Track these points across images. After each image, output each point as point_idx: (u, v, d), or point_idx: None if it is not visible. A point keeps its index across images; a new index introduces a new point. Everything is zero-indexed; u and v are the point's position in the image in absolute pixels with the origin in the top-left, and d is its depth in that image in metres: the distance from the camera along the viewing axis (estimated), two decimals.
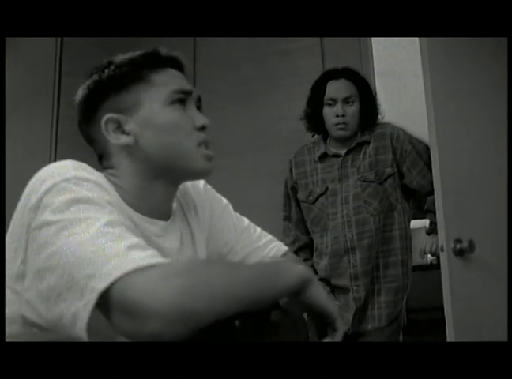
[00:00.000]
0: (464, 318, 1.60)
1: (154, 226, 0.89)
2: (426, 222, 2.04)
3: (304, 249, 2.08)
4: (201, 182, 1.06)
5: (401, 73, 3.72)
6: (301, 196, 2.07)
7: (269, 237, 1.10)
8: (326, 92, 2.01)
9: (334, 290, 1.97)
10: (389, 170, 1.96)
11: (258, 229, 1.09)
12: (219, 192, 1.09)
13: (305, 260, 2.03)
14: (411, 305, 2.84)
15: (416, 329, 3.20)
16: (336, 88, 2.00)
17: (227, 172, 2.35)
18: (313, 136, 2.15)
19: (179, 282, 0.64)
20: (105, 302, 0.63)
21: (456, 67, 1.77)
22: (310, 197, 2.04)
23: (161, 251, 0.74)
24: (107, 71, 0.89)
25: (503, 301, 1.59)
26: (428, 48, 1.71)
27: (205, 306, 0.65)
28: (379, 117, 2.05)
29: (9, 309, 0.74)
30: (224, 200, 1.08)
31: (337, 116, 1.98)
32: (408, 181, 1.97)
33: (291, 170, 2.12)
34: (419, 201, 2.01)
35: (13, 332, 0.74)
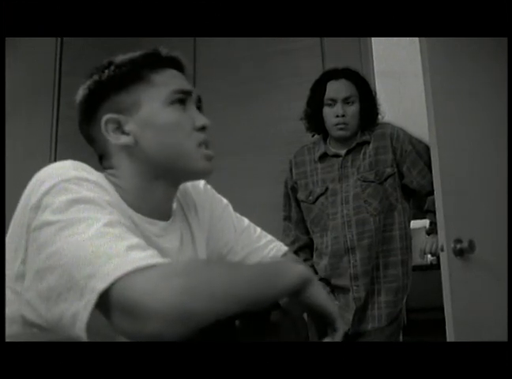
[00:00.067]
0: (464, 318, 1.60)
1: (154, 226, 0.89)
2: (426, 222, 2.04)
3: (304, 249, 2.08)
4: (201, 182, 1.06)
5: (401, 73, 3.72)
6: (301, 196, 2.07)
7: (269, 237, 1.10)
8: (326, 92, 2.01)
9: (334, 290, 1.97)
10: (389, 170, 1.96)
11: (258, 229, 1.09)
12: (219, 192, 1.09)
13: (305, 260, 2.03)
14: (411, 305, 2.84)
15: (416, 329, 3.20)
16: (336, 88, 2.00)
17: (227, 172, 2.35)
18: (313, 136, 2.15)
19: (179, 282, 0.64)
20: (105, 302, 0.63)
21: (456, 67, 1.77)
22: (310, 197, 2.04)
23: (161, 251, 0.74)
24: (107, 71, 0.89)
25: (503, 301, 1.59)
26: (428, 48, 1.71)
27: (205, 306, 0.65)
28: (379, 117, 2.05)
29: (9, 309, 0.74)
30: (224, 201, 1.08)
31: (337, 116, 1.98)
32: (408, 181, 1.97)
33: (291, 170, 2.12)
34: (419, 201, 2.01)
35: (13, 332, 0.74)
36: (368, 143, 2.00)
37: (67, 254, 0.67)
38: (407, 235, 1.98)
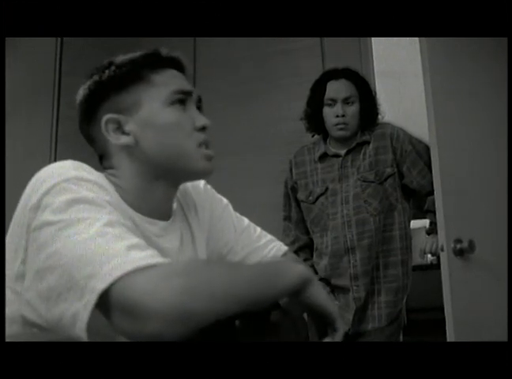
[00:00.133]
0: (464, 318, 1.60)
1: (154, 226, 0.89)
2: (426, 222, 2.04)
3: (304, 249, 2.08)
4: (201, 182, 1.06)
5: (401, 73, 3.72)
6: (301, 196, 2.07)
7: (269, 237, 1.10)
8: (326, 92, 2.01)
9: (334, 290, 1.97)
10: (389, 170, 1.96)
11: (258, 229, 1.09)
12: (219, 192, 1.09)
13: (305, 260, 2.03)
14: (411, 305, 2.83)
15: (416, 329, 3.19)
16: (336, 89, 2.00)
17: (227, 172, 2.35)
18: (313, 136, 2.15)
19: (179, 282, 0.64)
20: (105, 302, 0.63)
21: (456, 67, 1.77)
22: (310, 197, 2.04)
23: (161, 251, 0.74)
24: (107, 71, 0.89)
25: (503, 301, 1.59)
26: (428, 48, 1.71)
27: (205, 306, 0.65)
28: (379, 117, 2.05)
29: (9, 309, 0.74)
30: (224, 200, 1.08)
31: (337, 116, 1.98)
32: (408, 181, 1.97)
33: (291, 170, 2.12)
34: (419, 201, 2.01)
35: (13, 332, 0.74)
36: (368, 143, 2.00)
37: (67, 254, 0.67)
38: (407, 235, 1.98)
